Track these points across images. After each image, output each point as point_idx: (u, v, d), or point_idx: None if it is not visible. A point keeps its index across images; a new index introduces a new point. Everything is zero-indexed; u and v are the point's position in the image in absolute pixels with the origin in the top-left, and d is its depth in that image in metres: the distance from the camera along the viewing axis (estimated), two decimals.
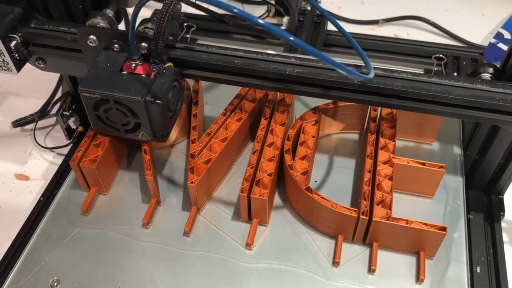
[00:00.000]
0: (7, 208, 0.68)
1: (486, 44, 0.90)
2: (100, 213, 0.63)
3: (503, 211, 0.64)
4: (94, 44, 0.56)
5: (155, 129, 0.56)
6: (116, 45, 0.56)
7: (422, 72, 0.55)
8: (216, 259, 0.58)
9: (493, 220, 0.63)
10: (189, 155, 0.61)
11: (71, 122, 0.72)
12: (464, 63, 0.83)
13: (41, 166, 0.73)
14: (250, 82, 0.57)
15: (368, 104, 0.59)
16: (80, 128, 0.73)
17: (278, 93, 0.69)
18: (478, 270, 0.58)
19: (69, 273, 0.57)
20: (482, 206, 0.64)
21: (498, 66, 0.57)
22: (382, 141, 0.63)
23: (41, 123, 0.79)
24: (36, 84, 0.83)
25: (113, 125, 0.58)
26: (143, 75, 0.54)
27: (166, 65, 0.55)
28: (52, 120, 0.80)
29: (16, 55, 0.58)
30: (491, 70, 0.57)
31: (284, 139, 0.63)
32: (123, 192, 0.65)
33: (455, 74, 0.81)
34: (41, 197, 0.66)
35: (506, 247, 0.61)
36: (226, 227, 0.61)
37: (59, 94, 0.84)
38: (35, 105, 0.81)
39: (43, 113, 0.80)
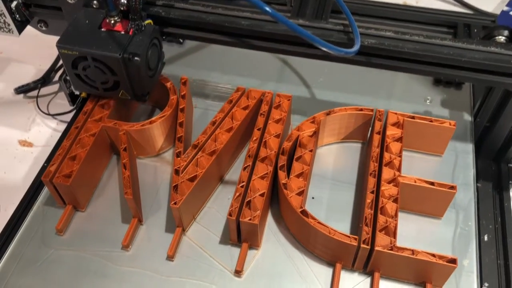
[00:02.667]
0: (11, 174, 0.67)
1: (498, 12, 0.84)
2: (77, 232, 0.58)
3: None
4: (73, 1, 0.56)
5: (135, 88, 0.57)
6: (95, 2, 0.56)
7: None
8: (203, 287, 0.53)
9: (501, 188, 0.61)
10: (173, 171, 0.55)
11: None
12: (475, 30, 0.78)
13: (45, 132, 0.72)
14: (228, 40, 0.58)
15: (380, 68, 0.57)
16: (84, 94, 0.70)
17: (273, 99, 0.62)
18: (486, 238, 0.56)
19: None
20: (491, 175, 0.62)
21: None
22: (386, 156, 0.57)
23: (44, 90, 0.78)
24: (39, 50, 0.82)
25: (92, 84, 0.57)
26: (122, 32, 0.54)
27: (145, 22, 0.55)
28: (55, 87, 0.78)
29: (17, 16, 0.59)
30: (506, 32, 0.55)
31: (278, 152, 0.57)
32: (102, 208, 0.60)
33: None
34: (44, 163, 0.65)
35: None
36: (214, 251, 0.56)
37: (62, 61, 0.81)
38: (38, 71, 0.80)
39: (45, 79, 0.78)
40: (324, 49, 0.49)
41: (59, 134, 0.69)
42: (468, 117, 0.67)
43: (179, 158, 0.57)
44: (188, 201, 0.54)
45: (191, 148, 0.57)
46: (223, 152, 0.58)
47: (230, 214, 0.52)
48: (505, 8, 0.83)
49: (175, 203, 0.53)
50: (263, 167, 0.56)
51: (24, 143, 0.71)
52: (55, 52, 0.80)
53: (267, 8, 0.45)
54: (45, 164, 0.64)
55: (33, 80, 0.77)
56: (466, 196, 0.60)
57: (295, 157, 0.57)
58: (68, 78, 0.68)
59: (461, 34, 0.78)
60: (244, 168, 0.56)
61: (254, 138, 0.58)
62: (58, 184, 0.55)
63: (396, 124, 0.59)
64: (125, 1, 0.53)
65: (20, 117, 0.74)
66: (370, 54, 0.54)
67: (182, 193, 0.54)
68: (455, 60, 0.51)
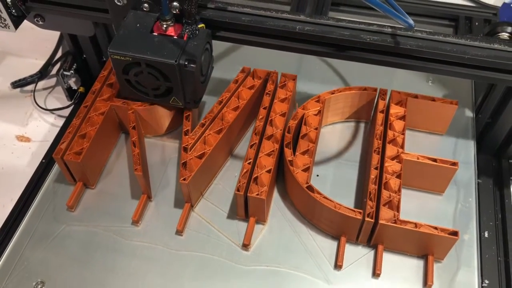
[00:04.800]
0: (9, 169, 0.66)
1: (499, 4, 0.84)
2: (88, 209, 0.59)
3: None
4: (121, 3, 0.54)
5: (187, 94, 0.55)
6: (145, 5, 0.54)
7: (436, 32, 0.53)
8: (211, 260, 0.55)
9: (502, 184, 0.61)
10: (182, 148, 0.57)
11: (72, 83, 0.70)
12: (476, 23, 0.80)
13: (42, 127, 0.72)
14: (284, 45, 0.55)
15: (382, 65, 0.56)
16: (81, 89, 0.71)
17: (279, 79, 0.63)
18: (486, 234, 0.57)
19: (54, 275, 0.54)
20: (491, 171, 0.63)
21: None
22: (390, 134, 0.58)
23: (41, 84, 0.77)
24: (36, 43, 0.81)
25: (143, 89, 0.56)
26: (175, 37, 0.52)
27: (199, 26, 0.53)
28: (52, 81, 0.78)
29: (14, 11, 0.57)
30: (509, 29, 0.55)
31: (284, 131, 0.58)
32: (111, 185, 0.61)
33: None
34: (43, 159, 0.65)
35: None
36: (222, 225, 0.57)
37: (59, 54, 0.81)
38: (35, 65, 0.78)
39: (42, 74, 0.78)
40: (397, 19, 0.48)
41: (57, 129, 0.69)
42: (469, 113, 0.67)
43: (187, 136, 0.58)
44: (197, 177, 0.55)
45: (199, 126, 0.59)
46: (230, 130, 0.60)
47: (238, 190, 0.53)
48: (507, 0, 0.83)
49: (184, 179, 0.54)
50: (269, 145, 0.57)
51: (22, 138, 0.70)
52: (52, 46, 0.81)
53: None
54: (43, 160, 0.64)
55: (30, 75, 0.77)
56: (466, 173, 0.61)
57: (300, 135, 0.59)
58: (65, 73, 0.68)
59: (462, 27, 0.79)
60: (251, 146, 0.57)
61: (260, 116, 0.60)
62: (69, 161, 0.57)
63: (400, 103, 0.61)
64: (178, 5, 0.51)
65: (17, 112, 0.73)
66: (372, 50, 0.53)
67: (191, 169, 0.55)
68: (458, 57, 0.51)
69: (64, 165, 0.58)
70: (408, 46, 0.51)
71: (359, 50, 0.54)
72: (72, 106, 0.71)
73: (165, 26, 0.52)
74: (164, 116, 0.63)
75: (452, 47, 0.51)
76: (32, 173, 0.63)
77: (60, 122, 0.71)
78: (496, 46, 0.50)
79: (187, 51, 0.51)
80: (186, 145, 0.57)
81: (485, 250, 0.56)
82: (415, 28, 0.52)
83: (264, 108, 0.60)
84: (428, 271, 0.53)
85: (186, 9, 0.50)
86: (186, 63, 0.50)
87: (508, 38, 0.54)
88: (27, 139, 0.70)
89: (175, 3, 0.51)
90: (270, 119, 0.59)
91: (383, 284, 0.53)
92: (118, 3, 0.54)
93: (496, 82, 0.58)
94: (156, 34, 0.53)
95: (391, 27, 0.52)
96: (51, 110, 0.73)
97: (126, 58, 0.51)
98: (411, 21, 0.50)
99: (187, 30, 0.52)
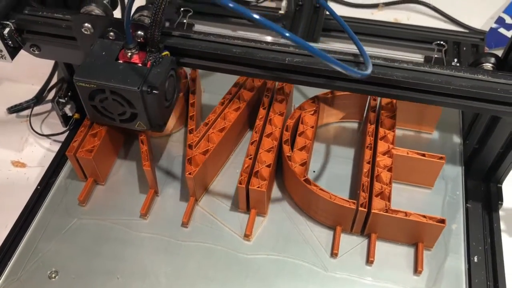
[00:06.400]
0: (4, 195, 0.67)
1: (487, 29, 0.88)
2: (98, 203, 0.63)
3: (501, 200, 0.64)
4: (89, 32, 0.55)
5: (152, 119, 0.56)
6: (111, 33, 0.55)
7: (422, 62, 0.55)
8: (215, 250, 0.58)
9: (491, 209, 0.63)
10: (187, 145, 0.60)
11: (67, 109, 0.71)
12: (464, 48, 0.83)
13: (38, 153, 0.72)
14: (248, 71, 0.57)
15: (368, 94, 0.58)
16: (76, 115, 0.72)
17: (277, 82, 0.68)
18: (476, 259, 0.58)
19: (67, 265, 0.57)
20: (480, 195, 0.64)
21: (499, 55, 0.57)
22: (381, 131, 0.62)
23: (37, 109, 0.78)
24: (31, 69, 0.82)
25: (109, 115, 0.57)
26: (139, 64, 0.54)
27: (163, 53, 0.54)
28: (48, 106, 0.79)
29: (10, 42, 0.57)
30: (493, 60, 0.56)
31: (282, 129, 0.62)
32: (120, 182, 0.65)
33: (455, 60, 0.80)
34: (38, 185, 0.65)
35: (504, 236, 0.61)
36: (224, 218, 0.61)
37: (54, 80, 0.82)
38: (31, 90, 0.80)
39: (38, 99, 0.79)
40: (341, 70, 0.48)
41: (53, 155, 0.69)
42: (457, 139, 0.69)
43: (191, 135, 0.62)
44: (201, 172, 0.59)
45: (203, 125, 0.63)
46: (232, 129, 0.63)
47: (240, 183, 0.57)
48: (494, 25, 0.87)
49: (190, 174, 0.58)
50: (268, 142, 0.61)
51: (17, 164, 0.71)
52: (47, 71, 0.81)
53: (287, 33, 0.43)
54: (38, 187, 0.65)
55: (26, 100, 0.78)
56: (454, 168, 0.65)
57: (298, 132, 0.63)
58: (60, 100, 0.69)
59: (450, 52, 0.82)
60: (252, 143, 0.61)
61: (260, 116, 0.64)
62: (81, 158, 0.60)
63: (390, 103, 0.65)
64: (142, 33, 0.53)
65: (13, 137, 0.74)
66: (359, 81, 0.53)
67: (196, 164, 0.59)
68: (443, 88, 0.52)
69: (76, 162, 0.61)
70: (394, 77, 0.52)
71: (345, 81, 0.54)
72: (68, 132, 0.73)
73: (129, 54, 0.53)
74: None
75: (438, 77, 0.52)
76: (27, 199, 0.64)
77: (56, 147, 0.71)
78: (480, 76, 0.52)
79: (150, 78, 0.52)
80: (191, 142, 0.61)
81: (475, 275, 0.56)
82: (401, 59, 0.53)
83: (264, 108, 0.64)
84: (418, 258, 0.56)
85: (149, 38, 0.52)
86: (148, 90, 0.52)
87: (492, 68, 0.55)
88: (23, 165, 0.71)
89: (139, 32, 0.53)
90: (269, 118, 0.63)
91: (376, 270, 0.56)
92: (85, 32, 0.55)
93: (481, 112, 0.60)
94: (121, 61, 0.54)
95: (378, 57, 0.54)
96: (47, 136, 0.74)
97: (91, 85, 0.53)
98: (366, 71, 0.50)
99: (150, 58, 0.53)
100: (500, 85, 0.51)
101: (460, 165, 0.66)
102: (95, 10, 0.58)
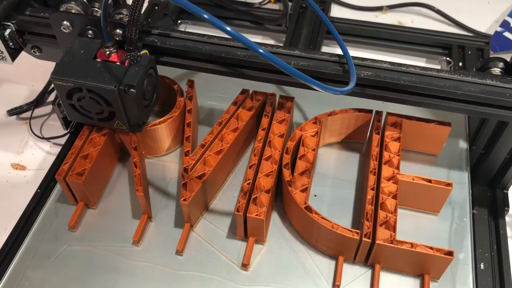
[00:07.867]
0: (4, 198, 0.66)
1: (491, 32, 0.87)
2: (89, 228, 0.60)
3: (508, 206, 0.62)
4: (67, 31, 0.55)
5: (130, 118, 0.56)
6: (90, 32, 0.55)
7: (430, 67, 0.54)
8: (211, 280, 0.55)
9: (497, 215, 0.61)
10: (182, 169, 0.58)
11: None
12: (469, 52, 0.81)
13: (38, 155, 0.71)
14: (227, 71, 0.56)
15: (375, 99, 0.56)
16: None
17: (277, 101, 0.65)
18: (482, 266, 0.57)
19: None
20: (486, 201, 0.63)
21: (508, 60, 0.56)
22: (386, 155, 0.59)
23: (37, 111, 0.77)
24: (32, 70, 0.81)
25: (87, 114, 0.57)
26: (117, 63, 0.54)
27: (141, 52, 0.54)
28: (48, 108, 0.77)
29: (11, 43, 0.57)
30: (501, 64, 0.56)
31: (282, 152, 0.60)
32: (112, 206, 0.62)
33: (460, 64, 0.80)
34: (38, 188, 0.64)
35: (511, 242, 0.60)
36: (221, 245, 0.58)
37: None
38: (31, 92, 0.79)
39: (39, 101, 0.78)
40: (318, 89, 0.49)
41: (53, 157, 0.68)
42: (464, 145, 0.67)
43: (187, 157, 0.59)
44: (197, 197, 0.56)
45: (199, 147, 0.60)
46: (230, 151, 0.61)
47: (237, 210, 0.54)
48: (499, 29, 0.86)
49: (184, 200, 0.55)
50: (268, 166, 0.58)
51: (17, 167, 0.69)
52: (48, 73, 0.79)
53: (261, 50, 0.45)
54: (38, 190, 0.63)
55: (26, 102, 0.77)
56: (461, 193, 0.62)
57: (298, 155, 0.60)
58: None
59: (455, 56, 0.81)
60: (250, 167, 0.58)
61: (259, 137, 0.61)
62: (71, 181, 0.58)
63: (395, 125, 0.62)
64: (120, 32, 0.52)
65: (12, 140, 0.73)
66: (366, 85, 0.53)
67: (191, 190, 0.56)
68: (451, 93, 0.51)
69: (66, 186, 0.59)
70: (402, 82, 0.52)
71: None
72: (68, 135, 0.71)
73: (108, 52, 0.53)
74: (164, 137, 0.64)
75: (446, 82, 0.51)
76: (26, 202, 0.62)
77: (56, 150, 0.70)
78: (488, 81, 0.51)
79: (128, 77, 0.52)
80: (187, 166, 0.58)
81: (481, 282, 0.55)
82: (409, 63, 0.53)
83: (263, 129, 0.62)
84: None
85: (127, 36, 0.51)
86: (125, 88, 0.51)
87: (500, 73, 0.55)
88: (22, 167, 0.69)
89: (117, 30, 0.52)
90: (268, 140, 0.61)
91: None
92: (64, 30, 0.55)
93: (489, 117, 0.59)
94: (99, 60, 0.53)
95: (385, 62, 0.53)
96: (47, 139, 0.73)
97: (68, 83, 0.52)
98: (347, 87, 0.50)
99: (128, 56, 0.53)
100: (509, 90, 0.51)
101: (468, 191, 0.63)
102: (74, 7, 0.57)
